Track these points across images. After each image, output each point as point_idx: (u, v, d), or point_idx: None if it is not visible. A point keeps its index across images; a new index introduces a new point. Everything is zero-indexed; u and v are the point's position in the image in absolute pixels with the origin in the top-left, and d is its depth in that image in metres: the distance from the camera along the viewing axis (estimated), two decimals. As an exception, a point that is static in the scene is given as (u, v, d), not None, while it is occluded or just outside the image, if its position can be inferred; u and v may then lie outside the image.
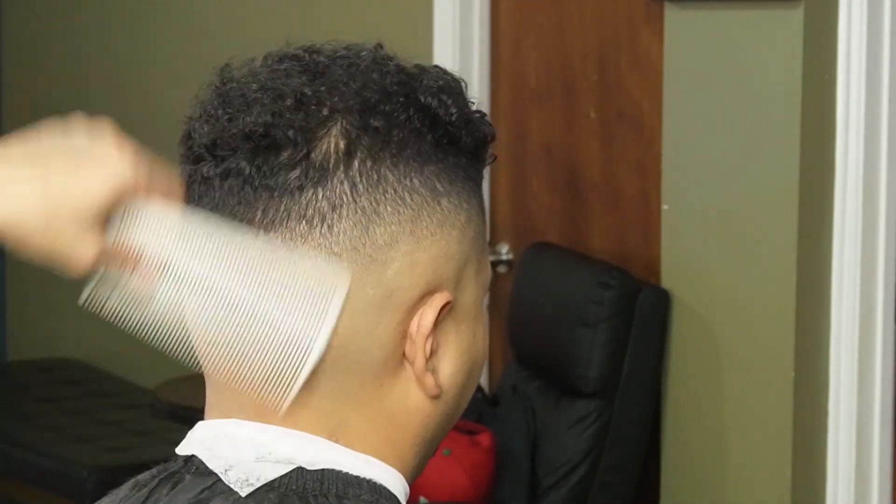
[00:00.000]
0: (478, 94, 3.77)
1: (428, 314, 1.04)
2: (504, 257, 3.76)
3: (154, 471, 1.07)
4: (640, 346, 3.23)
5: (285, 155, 1.02)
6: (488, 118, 1.09)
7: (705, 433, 3.17)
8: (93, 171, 1.02)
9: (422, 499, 3.23)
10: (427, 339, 1.04)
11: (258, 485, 1.02)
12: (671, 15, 3.16)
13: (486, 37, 3.75)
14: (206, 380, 1.08)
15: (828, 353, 3.02)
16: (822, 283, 3.00)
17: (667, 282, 3.23)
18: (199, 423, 1.07)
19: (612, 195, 3.49)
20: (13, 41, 5.24)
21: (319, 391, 1.04)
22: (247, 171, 1.02)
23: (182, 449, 1.06)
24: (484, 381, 3.77)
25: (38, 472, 4.17)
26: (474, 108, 1.08)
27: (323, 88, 1.04)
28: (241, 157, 1.03)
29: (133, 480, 1.08)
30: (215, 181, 1.03)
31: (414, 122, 1.04)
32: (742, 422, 3.09)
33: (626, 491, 3.29)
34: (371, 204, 1.02)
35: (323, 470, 1.03)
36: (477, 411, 3.38)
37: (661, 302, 3.22)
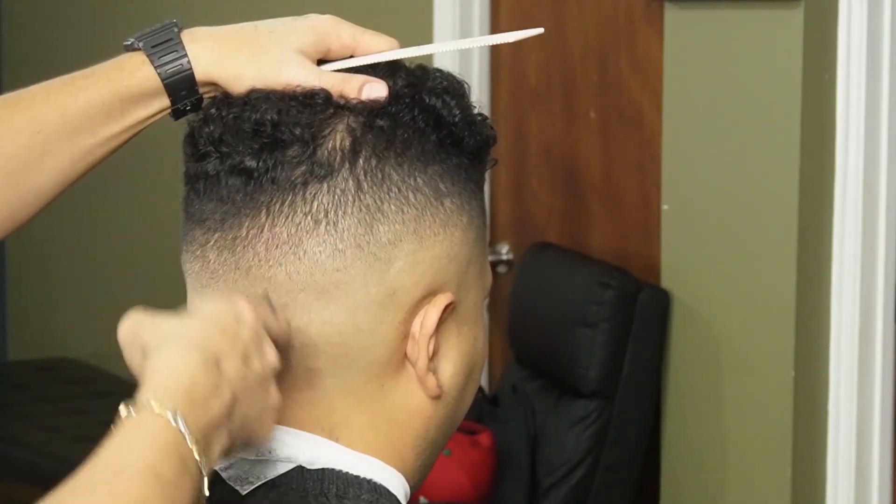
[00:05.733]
0: (478, 94, 3.77)
1: (431, 314, 1.04)
2: (504, 257, 3.76)
3: None
4: (640, 346, 3.23)
5: (291, 151, 1.03)
6: (490, 121, 1.10)
7: (705, 433, 3.17)
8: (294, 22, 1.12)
9: (422, 499, 3.23)
10: (430, 339, 1.04)
11: (258, 483, 1.02)
12: (671, 15, 3.16)
13: (486, 37, 3.75)
14: None
15: (828, 353, 3.02)
16: (822, 283, 3.00)
17: (667, 282, 3.23)
18: None
19: (612, 195, 3.49)
20: (13, 41, 5.24)
21: (320, 390, 1.04)
22: (253, 167, 1.03)
23: None
24: (484, 381, 3.77)
25: (38, 472, 4.17)
26: (476, 110, 1.08)
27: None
28: (248, 153, 1.03)
29: None
30: (220, 177, 1.04)
31: (418, 122, 1.05)
32: (742, 422, 3.09)
33: (626, 491, 3.29)
34: (375, 202, 1.03)
35: (323, 469, 1.03)
36: (477, 411, 3.38)
37: (661, 302, 3.22)
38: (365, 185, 1.03)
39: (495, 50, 3.75)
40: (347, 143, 1.03)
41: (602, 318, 3.22)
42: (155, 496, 0.87)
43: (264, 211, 1.02)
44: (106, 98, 1.11)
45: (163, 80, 1.10)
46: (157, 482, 0.87)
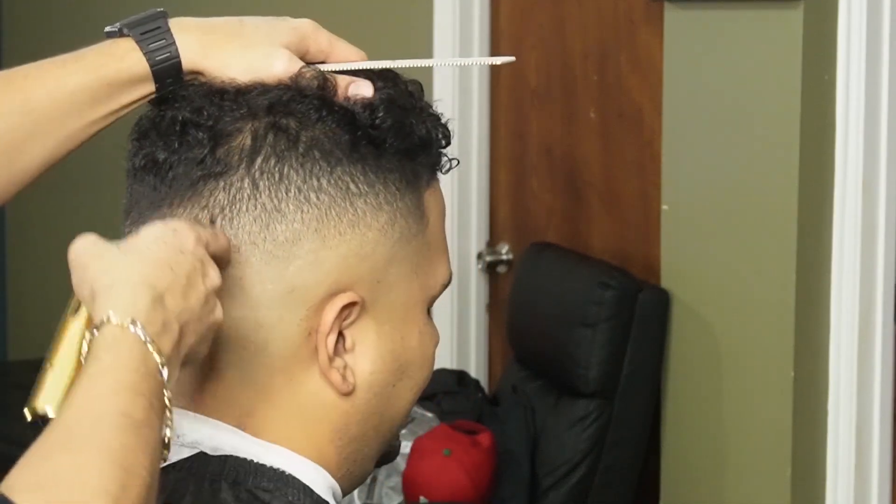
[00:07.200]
0: (478, 94, 3.77)
1: (328, 313, 1.06)
2: (504, 257, 3.76)
3: None
4: (640, 346, 3.23)
5: (196, 150, 1.06)
6: (444, 121, 1.12)
7: (705, 433, 3.17)
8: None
9: (422, 499, 3.23)
10: (327, 336, 1.06)
11: (160, 465, 1.05)
12: (671, 15, 3.16)
13: (486, 37, 3.75)
14: None
15: (828, 353, 3.02)
16: (822, 283, 3.00)
17: (667, 282, 3.23)
18: None
19: (612, 195, 3.49)
20: (13, 41, 5.24)
21: (226, 380, 1.07)
22: (160, 161, 1.07)
23: None
24: (484, 381, 3.77)
25: (38, 472, 4.16)
26: (432, 110, 1.11)
27: (253, 89, 1.08)
28: (160, 148, 1.07)
29: None
30: (139, 171, 1.09)
31: (327, 123, 1.07)
32: (742, 421, 3.09)
33: (626, 491, 3.29)
34: (272, 201, 1.05)
35: (227, 456, 1.06)
36: (477, 411, 3.38)
37: (661, 302, 3.22)
38: (261, 184, 1.05)
39: (495, 50, 3.75)
40: (248, 142, 1.06)
41: (602, 318, 3.22)
42: (130, 439, 0.90)
43: (166, 205, 1.07)
44: (94, 82, 1.13)
45: (151, 66, 1.12)
46: (131, 426, 0.91)
